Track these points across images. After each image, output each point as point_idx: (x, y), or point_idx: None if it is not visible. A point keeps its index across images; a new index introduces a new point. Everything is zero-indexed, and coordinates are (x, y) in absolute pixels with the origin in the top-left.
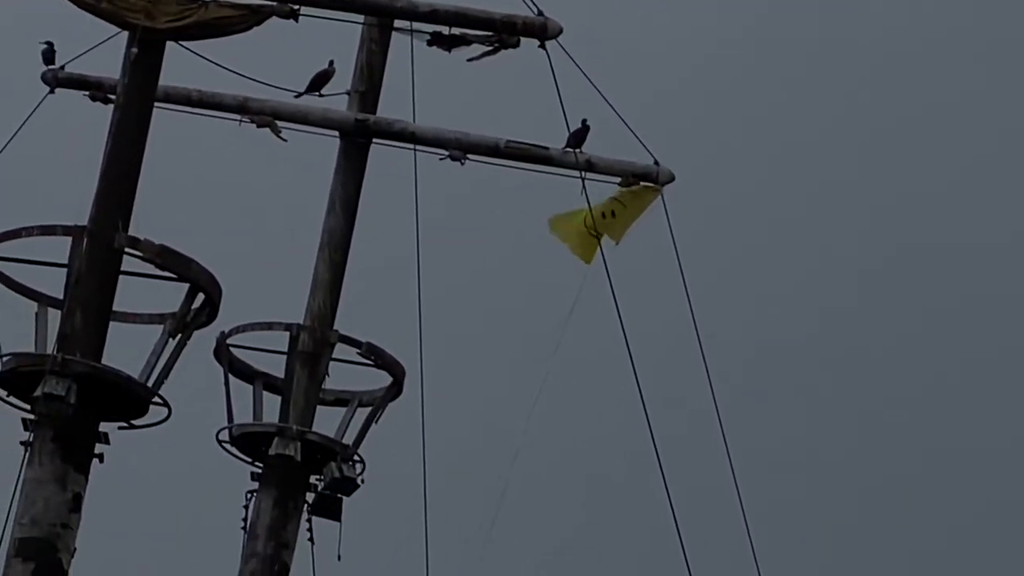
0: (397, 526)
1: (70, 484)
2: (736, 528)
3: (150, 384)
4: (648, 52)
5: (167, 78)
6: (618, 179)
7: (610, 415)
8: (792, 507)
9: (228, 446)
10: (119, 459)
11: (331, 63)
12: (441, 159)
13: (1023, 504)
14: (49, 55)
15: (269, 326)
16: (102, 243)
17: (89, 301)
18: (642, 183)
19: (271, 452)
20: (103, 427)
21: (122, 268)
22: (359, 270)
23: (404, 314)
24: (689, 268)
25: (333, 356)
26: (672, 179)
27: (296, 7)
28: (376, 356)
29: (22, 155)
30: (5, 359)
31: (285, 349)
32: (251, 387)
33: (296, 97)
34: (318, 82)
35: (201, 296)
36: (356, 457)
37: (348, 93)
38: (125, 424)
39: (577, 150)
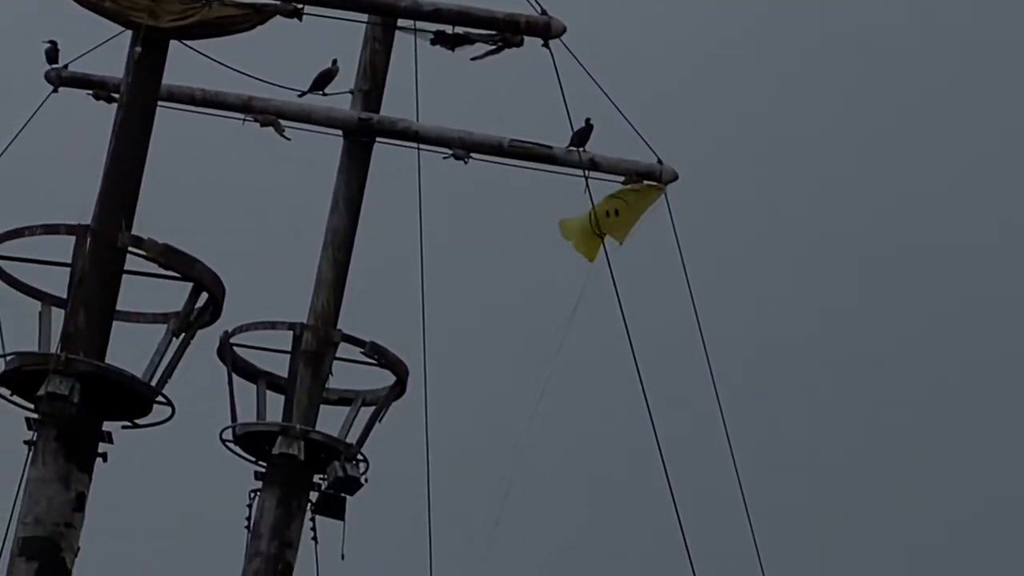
0: (401, 525)
1: (74, 483)
2: (737, 527)
3: (154, 383)
4: (649, 51)
5: (171, 77)
6: (622, 178)
7: (613, 414)
8: (792, 507)
9: (232, 445)
10: (123, 458)
11: (335, 62)
12: (444, 158)
13: (1023, 503)
14: (53, 54)
15: (273, 325)
16: (106, 242)
17: (93, 300)
18: (645, 182)
19: (275, 451)
20: (107, 426)
21: (125, 267)
22: (363, 269)
23: (407, 313)
24: (690, 267)
25: (337, 355)
26: (675, 178)
27: (300, 6)
28: (379, 355)
29: (25, 154)
30: (9, 358)
31: (289, 348)
32: (255, 386)
33: (300, 96)
34: (322, 81)
35: (204, 295)
36: (359, 456)
37: (352, 92)
38: (129, 423)
39: (581, 149)
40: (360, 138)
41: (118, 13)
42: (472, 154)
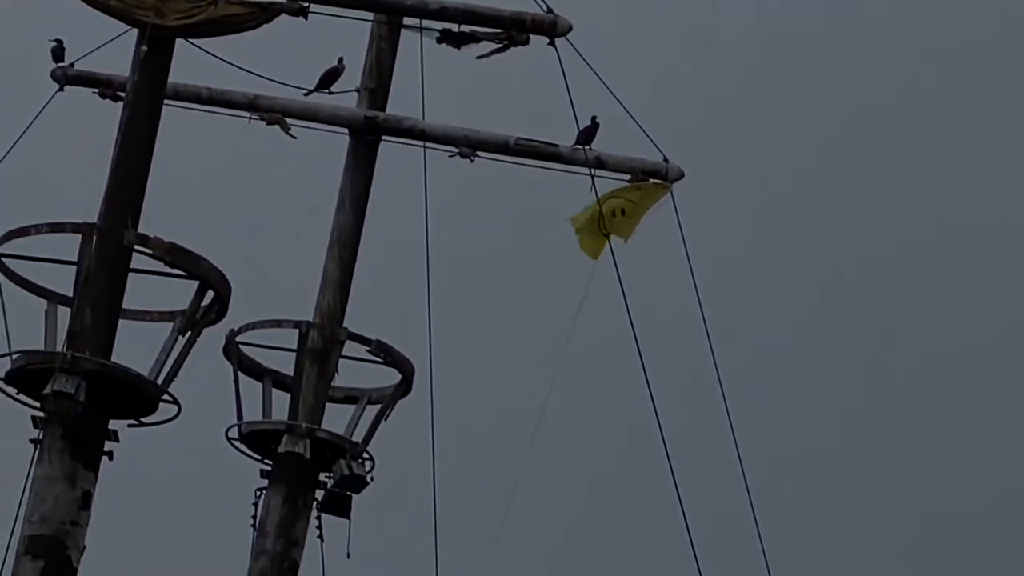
0: (406, 523)
1: (79, 482)
2: (737, 526)
3: (159, 382)
4: (655, 50)
5: (176, 75)
6: (627, 176)
7: (619, 412)
8: (792, 506)
9: (237, 444)
10: (128, 457)
11: (340, 60)
12: (450, 156)
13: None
14: (58, 52)
15: (278, 323)
16: (111, 240)
17: (98, 299)
18: (651, 180)
19: (280, 450)
20: (112, 425)
21: (131, 265)
22: (369, 267)
23: (413, 311)
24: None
25: (342, 353)
26: (681, 176)
27: (306, 4)
28: (385, 353)
29: (31, 152)
30: (15, 357)
31: (294, 346)
32: (260, 385)
33: (306, 95)
34: (327, 79)
35: (210, 293)
36: (365, 454)
37: (358, 90)
38: (134, 422)
39: (587, 147)
40: (366, 136)
41: (124, 11)
42: (478, 152)
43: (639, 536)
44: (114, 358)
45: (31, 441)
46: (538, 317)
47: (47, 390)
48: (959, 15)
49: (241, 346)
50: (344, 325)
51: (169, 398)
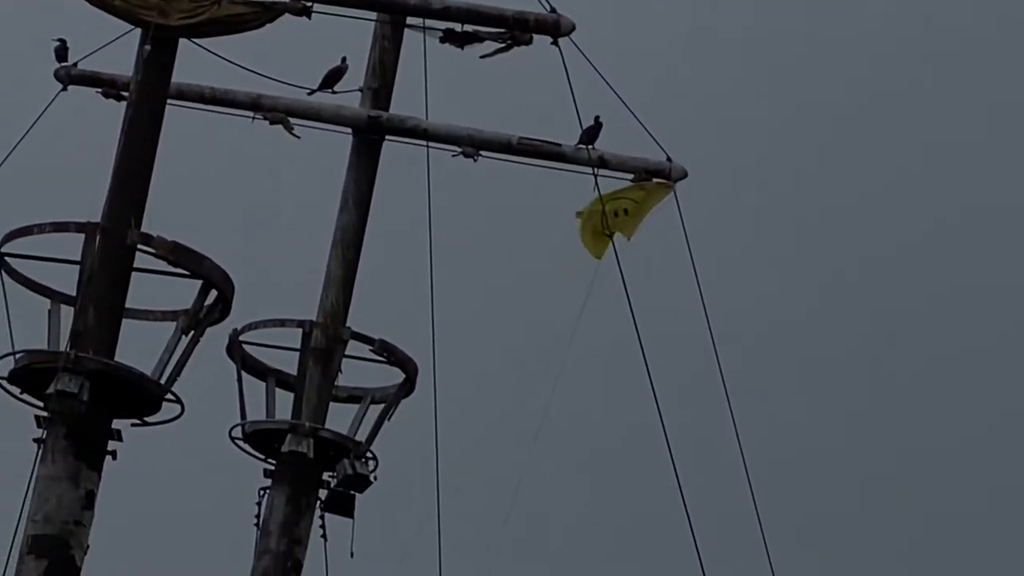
0: (410, 523)
1: (83, 481)
2: (737, 525)
3: (163, 381)
4: (658, 49)
5: (180, 75)
6: (631, 176)
7: (621, 411)
8: (793, 505)
9: (241, 443)
10: (132, 456)
11: (344, 60)
12: (454, 156)
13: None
14: (62, 52)
15: (282, 323)
16: (115, 240)
17: (102, 298)
18: (655, 179)
19: (284, 449)
20: (116, 424)
21: (135, 265)
22: (372, 267)
23: (417, 311)
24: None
25: (346, 353)
26: (685, 175)
27: (309, 4)
28: (389, 353)
29: (35, 152)
30: (18, 356)
31: (298, 346)
32: (264, 384)
33: (309, 94)
34: (331, 79)
35: (214, 293)
36: (369, 454)
37: (361, 90)
38: (138, 421)
39: (590, 147)
40: (369, 136)
41: (128, 11)
42: (481, 152)
43: (639, 536)
44: (117, 357)
45: (35, 440)
46: (541, 316)
47: (50, 389)
48: (959, 15)
49: (244, 345)
50: (347, 324)
51: (172, 397)
